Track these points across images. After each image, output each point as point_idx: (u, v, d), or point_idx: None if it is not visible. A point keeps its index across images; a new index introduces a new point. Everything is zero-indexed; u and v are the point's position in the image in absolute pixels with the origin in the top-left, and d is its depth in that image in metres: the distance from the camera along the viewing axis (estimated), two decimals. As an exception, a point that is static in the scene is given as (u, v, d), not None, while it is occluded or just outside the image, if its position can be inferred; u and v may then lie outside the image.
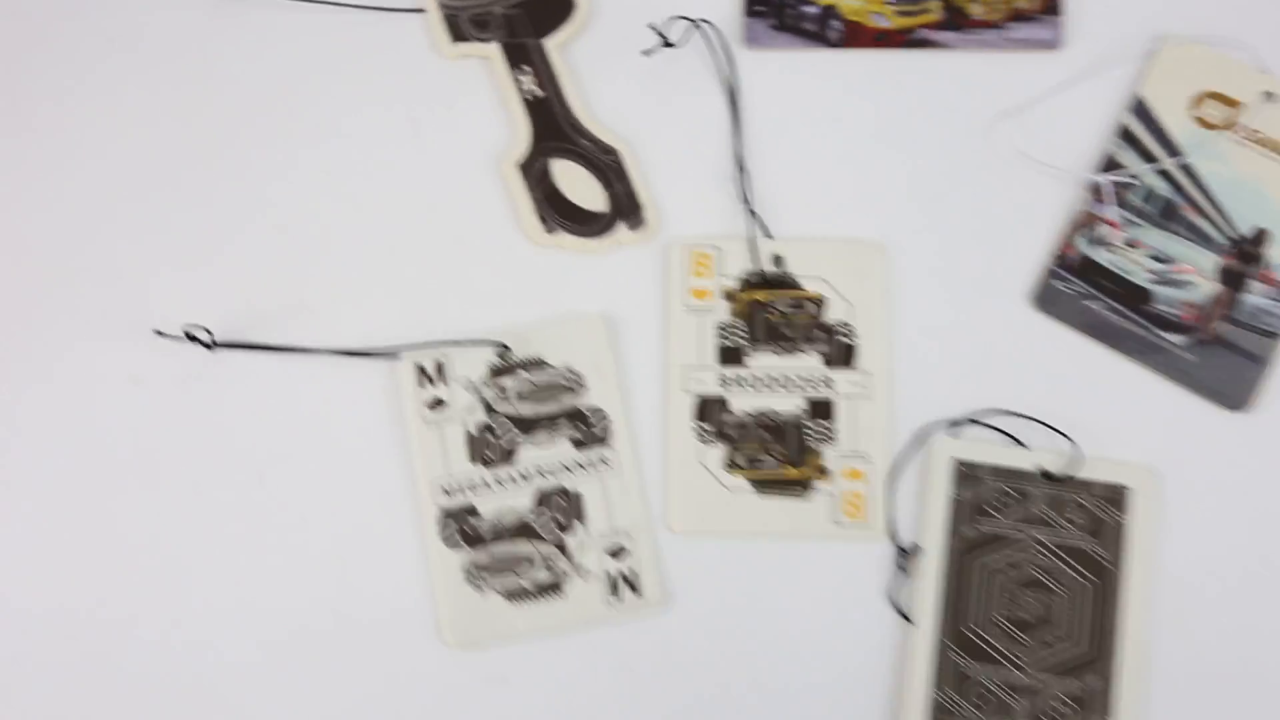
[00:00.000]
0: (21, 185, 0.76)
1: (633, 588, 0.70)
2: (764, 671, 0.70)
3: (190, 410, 0.73)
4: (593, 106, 0.76)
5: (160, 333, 0.72)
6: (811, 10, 0.77)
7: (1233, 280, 0.74)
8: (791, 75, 0.77)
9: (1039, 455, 0.72)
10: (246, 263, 0.75)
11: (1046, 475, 0.71)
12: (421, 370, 0.72)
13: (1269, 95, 0.75)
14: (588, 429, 0.72)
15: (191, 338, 0.71)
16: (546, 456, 0.72)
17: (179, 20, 0.78)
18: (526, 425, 0.72)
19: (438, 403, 0.72)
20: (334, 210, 0.75)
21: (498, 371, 0.72)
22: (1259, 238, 0.74)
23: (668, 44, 0.75)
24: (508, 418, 0.72)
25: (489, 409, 0.72)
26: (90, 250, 0.75)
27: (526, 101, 0.76)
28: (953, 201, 0.75)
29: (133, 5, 0.78)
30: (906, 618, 0.70)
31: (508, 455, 0.72)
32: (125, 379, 0.73)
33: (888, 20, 0.77)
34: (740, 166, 0.75)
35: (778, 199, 0.75)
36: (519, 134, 0.76)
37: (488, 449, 0.72)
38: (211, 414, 0.73)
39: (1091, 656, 0.69)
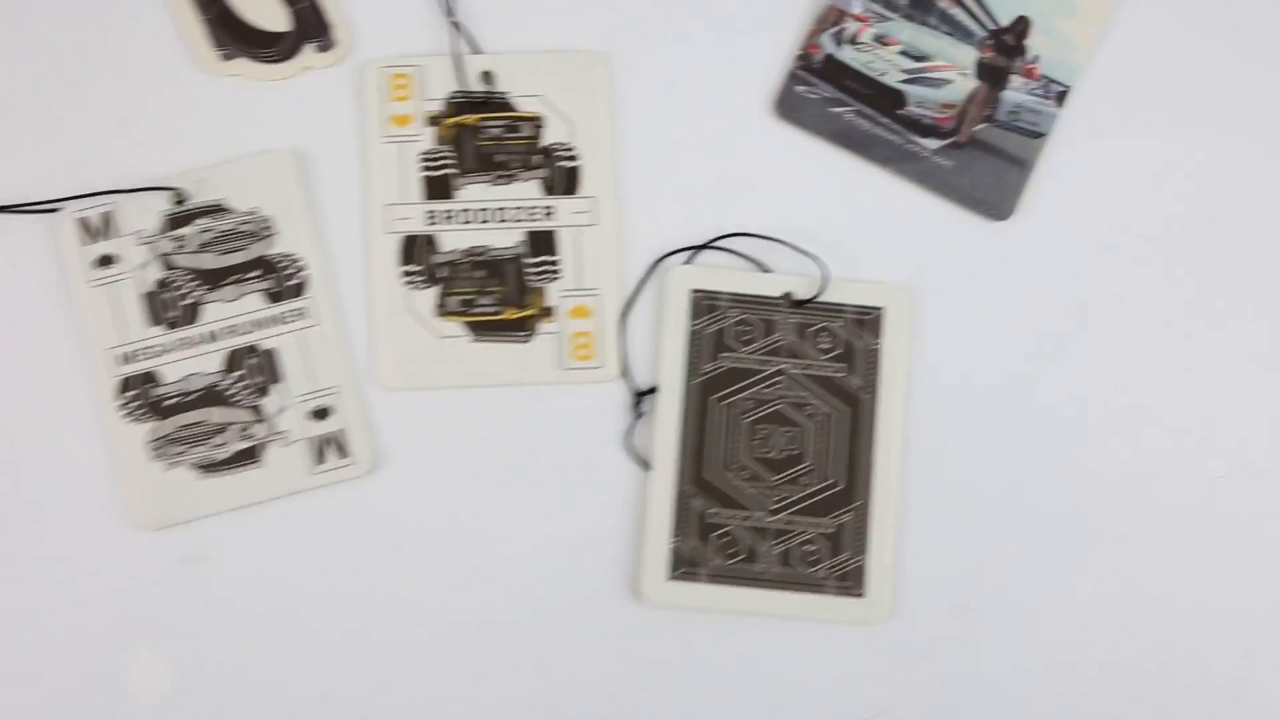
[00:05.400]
0: None
1: (340, 451, 0.64)
2: (490, 532, 0.64)
3: None
4: (270, -90, 0.67)
5: None
6: None
7: (992, 76, 0.67)
8: None
9: (784, 280, 0.66)
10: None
11: (793, 301, 0.65)
12: (85, 225, 0.64)
13: None
14: (280, 279, 0.64)
15: None
16: (235, 312, 0.64)
17: None
18: (211, 278, 0.64)
19: (106, 260, 0.64)
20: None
21: (174, 221, 0.64)
22: (1019, 27, 0.67)
23: None
24: (189, 271, 0.64)
25: (167, 263, 0.64)
26: None
27: (192, -93, 0.66)
28: (682, 1, 0.67)
29: None
30: (645, 464, 0.64)
31: (191, 314, 0.64)
32: None
33: None
34: (442, -28, 0.66)
35: (485, 7, 0.67)
36: (185, -55, 0.66)
37: (167, 308, 0.64)
38: None
39: (844, 491, 0.64)
